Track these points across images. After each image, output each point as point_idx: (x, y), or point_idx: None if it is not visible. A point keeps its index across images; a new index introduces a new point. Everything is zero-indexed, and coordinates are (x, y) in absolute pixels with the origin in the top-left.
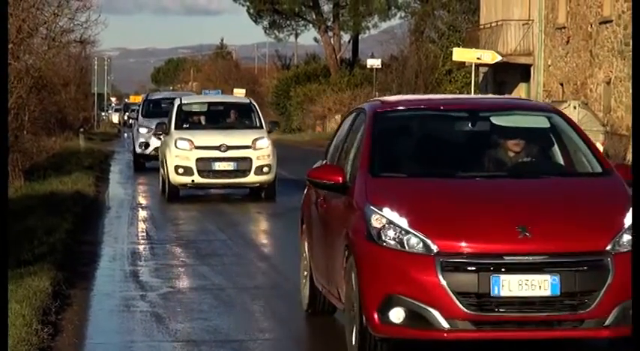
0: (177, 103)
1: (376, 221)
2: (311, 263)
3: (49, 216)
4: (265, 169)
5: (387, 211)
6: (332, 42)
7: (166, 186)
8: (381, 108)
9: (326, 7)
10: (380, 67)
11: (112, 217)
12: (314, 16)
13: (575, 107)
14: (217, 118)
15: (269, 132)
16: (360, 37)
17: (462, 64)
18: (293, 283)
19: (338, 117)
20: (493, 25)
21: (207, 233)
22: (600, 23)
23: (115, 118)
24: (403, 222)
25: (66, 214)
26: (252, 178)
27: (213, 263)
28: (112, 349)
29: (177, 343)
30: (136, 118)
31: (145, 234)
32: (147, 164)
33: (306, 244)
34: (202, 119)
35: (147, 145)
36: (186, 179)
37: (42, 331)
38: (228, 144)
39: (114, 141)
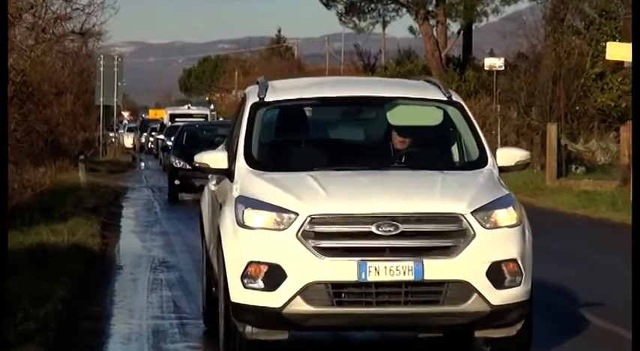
0: None
1: None
2: None
3: (37, 279)
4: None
5: None
6: (434, 33)
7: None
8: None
9: None
10: (502, 68)
11: (124, 281)
12: None
13: None
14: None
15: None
16: (474, 27)
17: (619, 65)
18: None
19: None
20: None
21: None
22: None
23: (129, 140)
24: None
25: (60, 276)
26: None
27: None
28: None
29: None
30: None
31: (171, 305)
32: None
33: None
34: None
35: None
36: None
37: None
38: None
39: (127, 173)
